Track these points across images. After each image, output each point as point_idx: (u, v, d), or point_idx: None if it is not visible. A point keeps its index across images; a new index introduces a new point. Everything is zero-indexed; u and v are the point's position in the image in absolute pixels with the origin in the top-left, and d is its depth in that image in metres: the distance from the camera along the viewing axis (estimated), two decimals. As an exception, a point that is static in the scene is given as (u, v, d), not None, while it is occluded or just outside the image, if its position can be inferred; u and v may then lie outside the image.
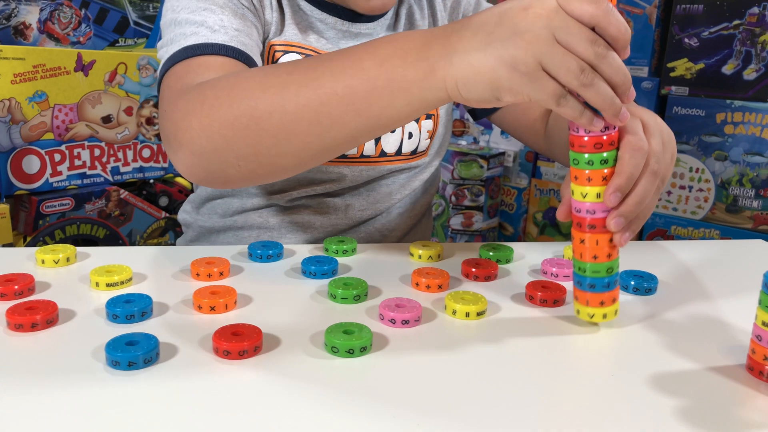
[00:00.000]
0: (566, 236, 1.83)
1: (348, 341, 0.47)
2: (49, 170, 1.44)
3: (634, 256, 0.71)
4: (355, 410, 0.41)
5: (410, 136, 0.79)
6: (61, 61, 1.42)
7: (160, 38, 0.70)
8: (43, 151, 1.43)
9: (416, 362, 0.47)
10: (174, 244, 1.59)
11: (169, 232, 1.67)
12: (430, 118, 0.81)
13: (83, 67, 1.46)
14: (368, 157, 0.78)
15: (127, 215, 1.58)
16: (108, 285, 0.57)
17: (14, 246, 1.41)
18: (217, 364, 0.46)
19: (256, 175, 0.57)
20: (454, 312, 0.54)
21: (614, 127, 0.48)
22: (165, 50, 0.65)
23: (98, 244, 1.57)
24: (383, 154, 0.78)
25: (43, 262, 0.62)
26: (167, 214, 1.66)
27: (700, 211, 1.58)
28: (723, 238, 1.54)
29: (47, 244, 1.45)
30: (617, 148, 0.49)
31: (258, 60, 0.67)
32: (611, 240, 0.50)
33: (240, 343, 0.46)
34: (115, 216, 1.56)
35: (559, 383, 0.45)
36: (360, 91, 0.49)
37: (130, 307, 0.52)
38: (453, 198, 1.88)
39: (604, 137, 0.48)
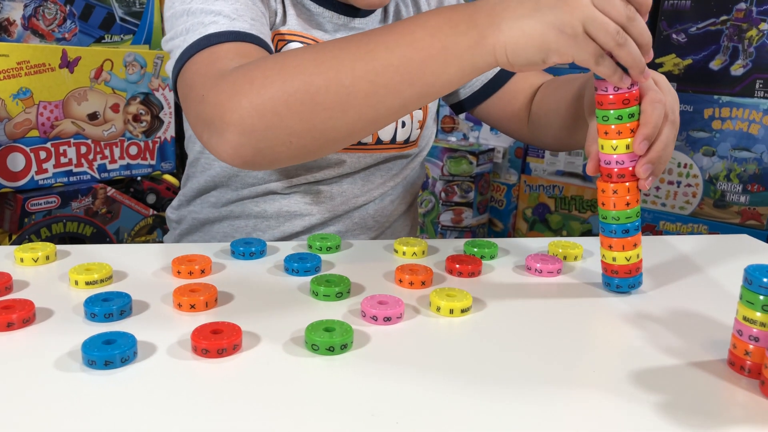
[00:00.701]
0: (555, 232, 1.84)
1: (328, 339, 0.47)
2: (34, 168, 1.43)
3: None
4: (333, 409, 0.40)
5: (403, 125, 0.82)
6: (46, 57, 1.41)
7: (163, 32, 0.69)
8: (28, 149, 1.42)
9: (397, 360, 0.47)
10: (161, 242, 1.58)
11: (156, 229, 1.66)
12: (419, 108, 0.82)
13: (68, 64, 1.45)
14: (365, 144, 0.80)
15: (114, 213, 1.57)
16: (87, 283, 0.57)
17: (-1, 244, 1.39)
18: (195, 363, 0.45)
19: (306, 151, 0.57)
20: (438, 309, 0.54)
21: (636, 85, 0.54)
22: (181, 39, 0.64)
23: (85, 242, 1.56)
24: (379, 141, 0.80)
25: (21, 260, 0.62)
26: (155, 212, 1.65)
27: (689, 206, 1.59)
28: (711, 233, 1.55)
29: (33, 242, 1.44)
30: (639, 104, 0.55)
31: (272, 48, 0.68)
32: (638, 187, 0.57)
33: (219, 341, 0.46)
34: (102, 214, 1.55)
35: (540, 380, 0.45)
36: (415, 61, 0.52)
37: (109, 306, 0.51)
38: (443, 194, 1.88)
39: (628, 94, 0.54)
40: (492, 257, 0.68)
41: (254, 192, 0.80)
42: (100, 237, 1.55)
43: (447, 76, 0.53)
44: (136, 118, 1.60)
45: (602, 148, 0.56)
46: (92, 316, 0.51)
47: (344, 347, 0.47)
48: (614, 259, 0.59)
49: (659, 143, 0.55)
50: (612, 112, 0.54)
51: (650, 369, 0.46)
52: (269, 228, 0.80)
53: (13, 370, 0.44)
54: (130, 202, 1.59)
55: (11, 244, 1.41)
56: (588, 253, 0.72)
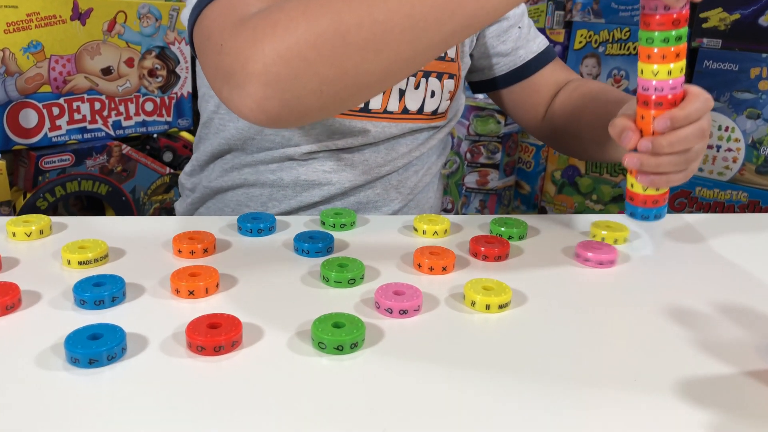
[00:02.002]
0: (585, 196, 1.76)
1: (337, 336, 0.42)
2: (47, 124, 1.39)
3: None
4: (338, 420, 0.36)
5: (432, 94, 0.77)
6: (56, 9, 1.35)
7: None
8: (40, 105, 1.38)
9: (414, 361, 0.42)
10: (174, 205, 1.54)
11: (173, 188, 1.62)
12: (452, 78, 0.77)
13: (80, 16, 1.39)
14: (391, 112, 0.74)
15: (129, 171, 1.53)
16: (80, 263, 0.53)
17: (13, 203, 1.37)
18: (189, 361, 0.41)
19: (338, 100, 0.51)
20: (473, 303, 0.49)
21: (687, 5, 0.51)
22: None
23: (101, 201, 1.53)
24: (405, 111, 0.76)
25: (14, 234, 0.58)
26: (171, 170, 1.61)
27: (728, 171, 1.50)
28: (751, 200, 1.47)
29: (48, 201, 1.41)
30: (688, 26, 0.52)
31: None
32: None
33: (216, 337, 0.42)
34: (117, 172, 1.51)
35: (575, 389, 0.39)
36: None
37: (100, 291, 0.47)
38: (468, 155, 1.81)
39: (678, 14, 0.51)
40: (521, 237, 0.62)
41: (270, 157, 0.75)
42: (115, 196, 1.52)
43: (490, 5, 0.47)
44: (152, 73, 1.55)
45: (641, 72, 0.54)
46: (81, 303, 0.47)
47: (354, 346, 0.42)
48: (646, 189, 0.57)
49: (677, 140, 0.53)
50: (657, 34, 0.52)
51: (699, 379, 0.41)
52: (285, 198, 0.75)
53: (-9, 366, 0.40)
54: (146, 160, 1.56)
55: (25, 203, 1.38)
56: (635, 235, 0.66)
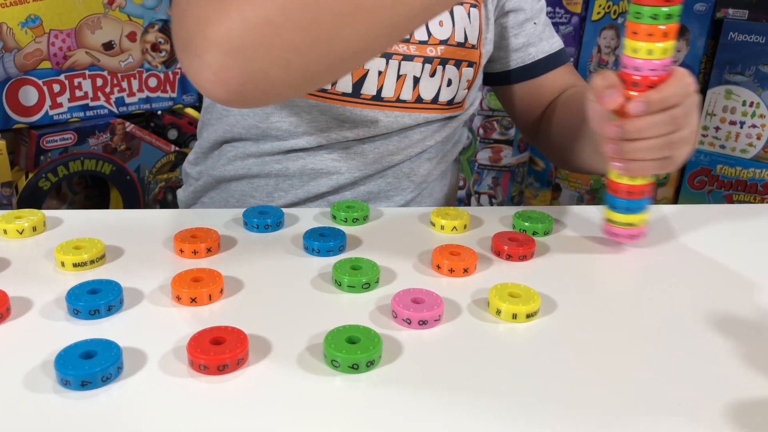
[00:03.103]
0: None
1: (352, 354, 0.38)
2: (48, 102, 1.35)
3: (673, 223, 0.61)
4: (355, 458, 0.32)
5: (449, 83, 0.72)
6: (55, -19, 1.30)
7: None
8: (40, 82, 1.33)
9: (433, 381, 0.38)
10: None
11: (179, 167, 1.58)
12: (471, 66, 0.72)
13: (79, -12, 1.34)
14: (404, 101, 0.70)
15: (134, 149, 1.49)
16: (75, 265, 0.49)
17: (15, 183, 1.33)
18: (190, 381, 0.37)
19: (307, 74, 0.46)
20: (498, 312, 0.45)
21: None
22: None
23: (105, 180, 1.49)
24: (419, 100, 0.71)
25: (5, 232, 0.54)
26: (177, 148, 1.57)
27: (751, 149, 1.45)
28: (775, 179, 1.42)
29: (50, 181, 1.38)
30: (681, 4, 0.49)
31: None
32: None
33: (220, 355, 0.38)
34: (121, 150, 1.47)
35: (611, 417, 0.36)
36: None
37: (95, 300, 0.43)
38: (481, 131, 1.76)
39: None
40: (546, 233, 0.58)
41: (276, 148, 0.70)
42: (119, 175, 1.48)
43: None
44: (155, 48, 1.50)
45: (624, 48, 0.51)
46: (75, 313, 0.43)
47: (371, 364, 0.39)
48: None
49: (646, 126, 0.50)
50: (647, 8, 0.48)
51: (755, 402, 0.37)
52: (292, 188, 0.71)
53: (-25, 388, 0.36)
54: (150, 138, 1.51)
55: (27, 183, 1.35)
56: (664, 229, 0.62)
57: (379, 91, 0.68)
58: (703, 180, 1.52)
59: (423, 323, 0.43)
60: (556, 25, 1.61)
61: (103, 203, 1.57)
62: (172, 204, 1.60)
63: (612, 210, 0.55)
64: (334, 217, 0.60)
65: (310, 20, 0.42)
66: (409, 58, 0.68)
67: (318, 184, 0.70)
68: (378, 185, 0.72)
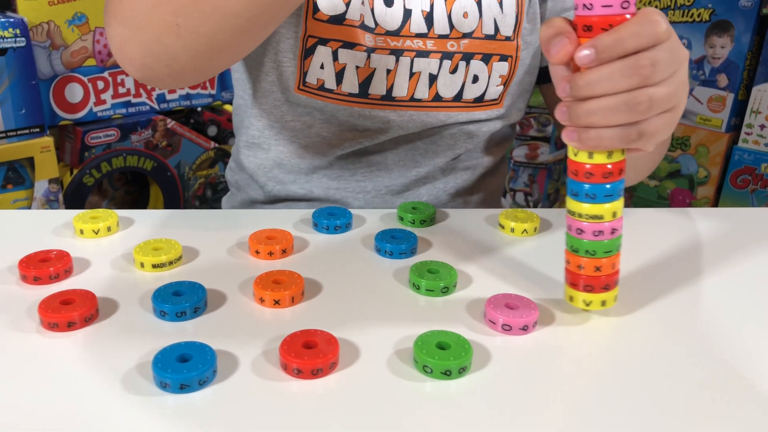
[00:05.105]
0: (640, 172, 1.69)
1: (444, 360, 0.38)
2: (92, 99, 1.37)
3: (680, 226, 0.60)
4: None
5: (475, 79, 0.66)
6: (100, -21, 1.31)
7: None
8: (85, 79, 1.35)
9: (527, 387, 0.38)
10: (224, 176, 1.51)
11: (218, 163, 1.60)
12: (505, 60, 0.66)
13: (124, -14, 1.35)
14: (419, 100, 0.66)
15: (174, 146, 1.51)
16: (154, 266, 0.50)
17: (61, 180, 1.35)
18: (284, 385, 0.38)
19: (200, 38, 0.45)
20: (587, 304, 0.44)
21: None
22: None
23: (145, 176, 1.51)
24: (438, 98, 0.66)
25: (81, 232, 0.55)
26: (216, 144, 1.58)
27: (799, 147, 1.42)
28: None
29: (94, 177, 1.39)
30: None
31: None
32: None
33: (314, 359, 0.38)
34: (162, 147, 1.48)
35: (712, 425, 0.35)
36: None
37: (181, 302, 0.44)
38: (517, 127, 1.75)
39: None
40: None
41: (297, 168, 0.70)
42: (160, 171, 1.49)
43: None
44: (195, 45, 1.51)
45: None
46: (162, 314, 0.44)
47: (462, 371, 0.39)
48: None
49: (597, 78, 0.38)
50: None
51: None
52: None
53: (77, 387, 0.37)
54: (190, 134, 1.53)
55: (72, 179, 1.37)
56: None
57: (390, 90, 0.65)
58: (746, 179, 1.50)
59: (524, 329, 0.43)
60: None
61: (142, 199, 1.58)
62: (212, 200, 1.61)
63: (572, 198, 0.42)
64: (401, 219, 0.60)
65: None
66: (423, 54, 0.64)
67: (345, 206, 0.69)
68: (417, 195, 0.71)
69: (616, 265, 0.44)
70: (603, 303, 0.44)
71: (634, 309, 0.47)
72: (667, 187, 1.62)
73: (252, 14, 0.45)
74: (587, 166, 0.41)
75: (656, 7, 1.61)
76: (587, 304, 0.44)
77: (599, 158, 0.40)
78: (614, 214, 0.42)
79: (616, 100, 0.38)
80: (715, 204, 1.55)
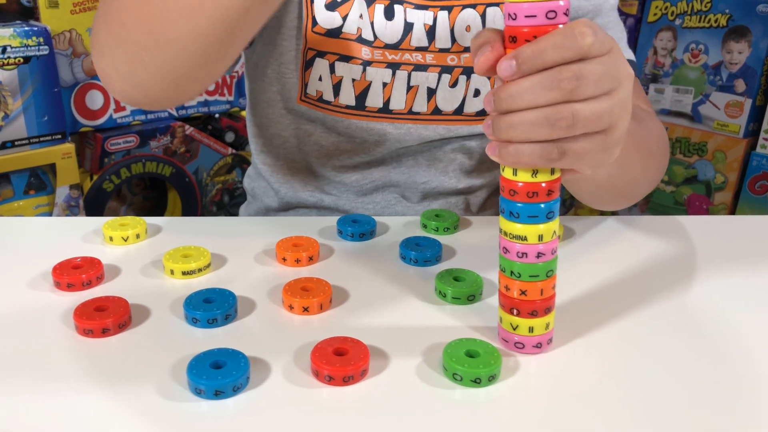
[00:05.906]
0: (657, 177, 1.68)
1: (474, 368, 0.39)
2: (112, 106, 1.38)
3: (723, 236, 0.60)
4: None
5: (476, 93, 0.66)
6: (121, -12, 1.33)
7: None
8: (105, 86, 1.37)
9: (557, 397, 0.38)
10: (241, 182, 1.53)
11: (236, 169, 1.61)
12: None
13: (144, -5, 1.37)
14: (418, 113, 0.65)
15: (192, 152, 1.52)
16: (184, 273, 0.50)
17: (81, 186, 1.37)
18: (316, 392, 0.38)
19: (166, 73, 0.46)
20: (514, 328, 0.42)
21: None
22: None
23: (164, 182, 1.52)
24: (437, 111, 0.66)
25: (111, 239, 0.56)
26: (234, 151, 1.60)
27: (817, 153, 1.42)
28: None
29: (113, 183, 1.41)
30: None
31: None
32: None
33: (345, 366, 0.39)
34: (180, 153, 1.50)
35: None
36: None
37: (212, 309, 0.44)
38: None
39: None
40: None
41: (305, 200, 0.71)
42: (179, 177, 1.51)
43: None
44: (213, 52, 1.52)
45: None
46: (194, 321, 0.44)
47: (492, 379, 0.39)
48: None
49: (517, 91, 0.36)
50: None
51: None
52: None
53: (112, 393, 0.38)
54: (208, 140, 1.54)
55: (92, 185, 1.38)
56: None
57: (387, 103, 0.65)
58: (764, 185, 1.49)
59: (550, 341, 0.43)
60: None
61: (160, 204, 1.60)
62: (229, 206, 1.62)
63: (501, 215, 0.40)
64: (425, 226, 0.60)
65: (146, 15, 0.45)
66: (421, 68, 0.64)
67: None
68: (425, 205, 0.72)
69: (546, 291, 0.40)
70: (530, 329, 0.41)
71: (662, 316, 0.47)
72: (684, 192, 1.62)
73: (208, 50, 0.46)
74: (519, 184, 0.38)
75: (672, 12, 1.61)
76: (514, 328, 0.41)
77: (523, 176, 0.38)
78: (540, 237, 0.39)
79: (537, 114, 0.36)
80: (733, 210, 1.54)
